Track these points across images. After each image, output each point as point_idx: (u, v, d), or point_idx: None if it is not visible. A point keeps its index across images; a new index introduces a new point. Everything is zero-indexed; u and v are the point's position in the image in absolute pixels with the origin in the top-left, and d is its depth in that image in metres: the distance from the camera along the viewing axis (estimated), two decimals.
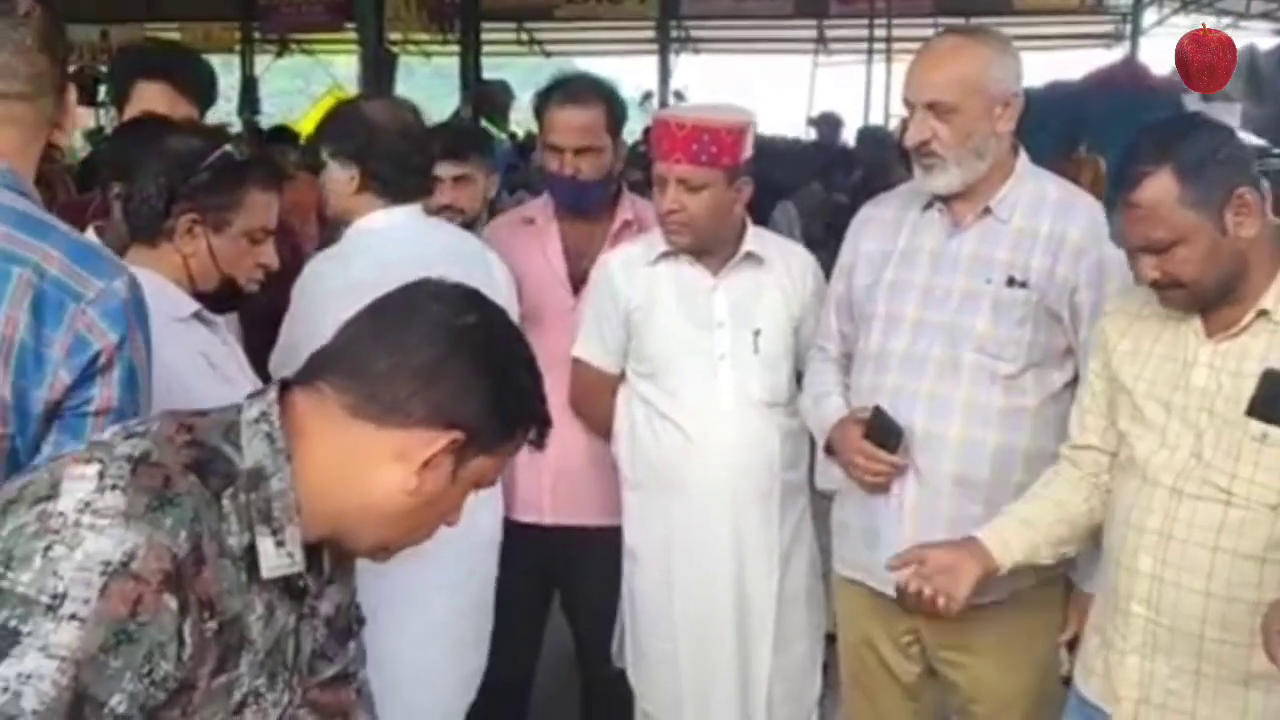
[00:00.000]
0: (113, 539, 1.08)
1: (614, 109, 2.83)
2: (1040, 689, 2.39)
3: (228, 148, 2.00)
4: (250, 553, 1.19)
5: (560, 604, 3.05)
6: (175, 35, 14.54)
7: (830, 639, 2.75)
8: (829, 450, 2.42)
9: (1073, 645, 2.31)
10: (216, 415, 1.24)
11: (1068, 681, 2.22)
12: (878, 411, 2.26)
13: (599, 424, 2.75)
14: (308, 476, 1.22)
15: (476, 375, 1.25)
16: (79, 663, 1.05)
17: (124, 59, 2.85)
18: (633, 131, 14.75)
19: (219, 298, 2.04)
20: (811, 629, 2.70)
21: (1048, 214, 2.29)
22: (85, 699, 1.06)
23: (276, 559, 1.20)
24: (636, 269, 2.62)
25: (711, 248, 2.58)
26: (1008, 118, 2.27)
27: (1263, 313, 1.87)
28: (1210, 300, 1.89)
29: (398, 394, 1.23)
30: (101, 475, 1.11)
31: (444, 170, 2.94)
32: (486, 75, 12.25)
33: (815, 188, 7.32)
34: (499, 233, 3.00)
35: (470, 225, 3.07)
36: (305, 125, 9.48)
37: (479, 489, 1.32)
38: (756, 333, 2.58)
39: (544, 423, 1.34)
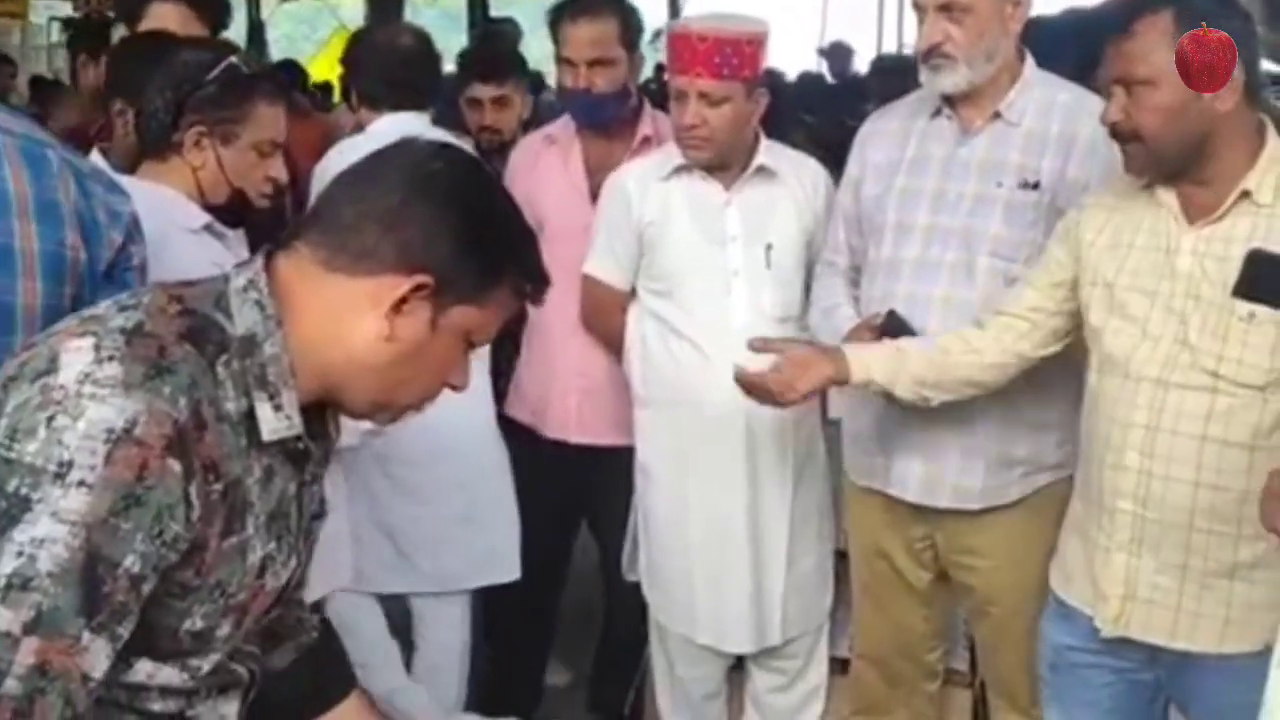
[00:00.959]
0: (114, 407, 1.10)
1: (628, 21, 2.82)
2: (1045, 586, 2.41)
3: (233, 60, 2.01)
4: (248, 418, 1.21)
5: (588, 521, 3.11)
6: None
7: (839, 555, 2.79)
8: None
9: None
10: (205, 285, 1.25)
11: None
12: (891, 315, 2.27)
13: (610, 341, 2.77)
14: (296, 337, 1.23)
15: (441, 218, 1.24)
16: (89, 526, 1.08)
17: None
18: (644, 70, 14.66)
19: (229, 211, 2.06)
20: (823, 542, 2.73)
21: (1058, 115, 2.29)
22: (98, 560, 1.09)
23: (275, 422, 1.22)
24: (650, 184, 2.61)
25: (728, 162, 2.57)
26: (1018, 18, 2.27)
27: (1245, 194, 1.87)
28: (1168, 169, 1.89)
29: (365, 241, 1.23)
30: (97, 347, 1.13)
31: (482, 92, 3.10)
32: (494, 14, 12.12)
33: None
34: (522, 153, 3.01)
35: (508, 146, 3.16)
36: (314, 68, 9.43)
37: (473, 345, 1.31)
38: (769, 247, 2.58)
39: (537, 277, 1.32)
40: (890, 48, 10.24)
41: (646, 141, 2.88)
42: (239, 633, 1.29)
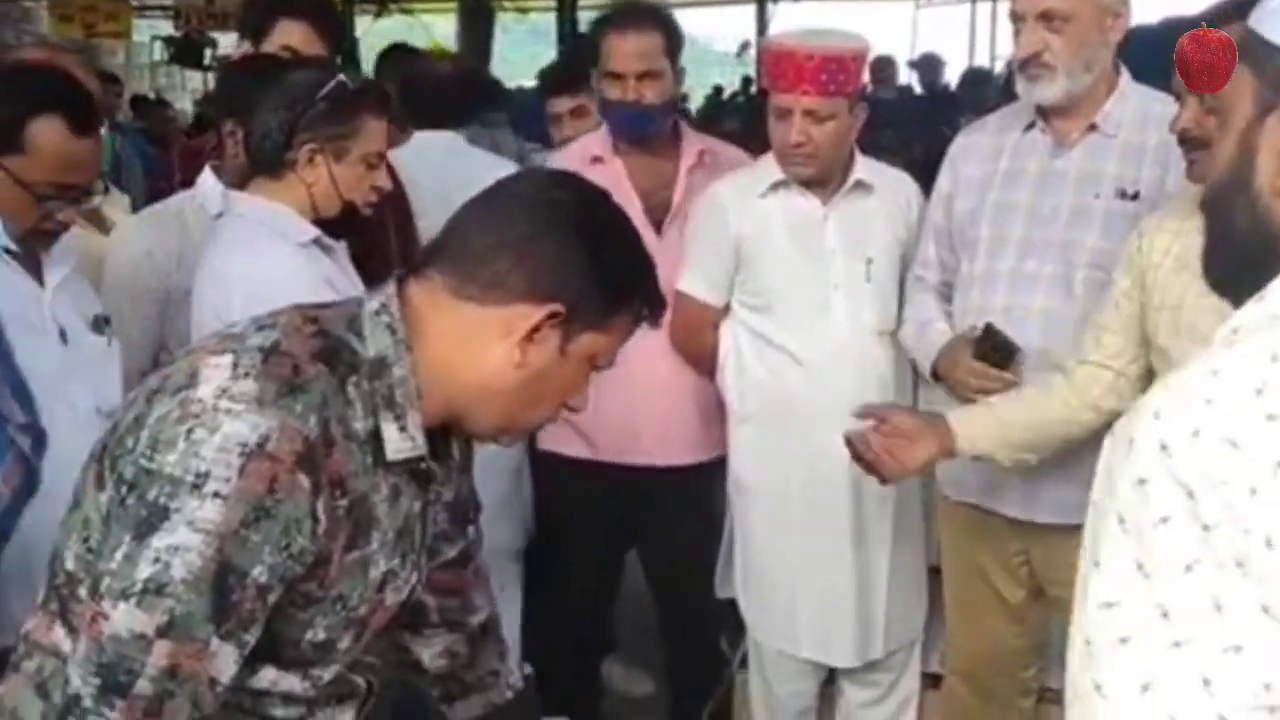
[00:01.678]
0: (248, 423, 1.14)
1: (672, 34, 2.80)
2: None
3: (341, 77, 2.08)
4: (375, 438, 1.25)
5: (638, 542, 3.07)
6: None
7: (932, 571, 2.77)
8: (935, 376, 2.42)
9: None
10: (339, 308, 1.31)
11: None
12: (989, 329, 2.26)
13: (703, 358, 2.75)
14: (425, 362, 1.27)
15: (571, 247, 1.27)
16: (222, 536, 1.13)
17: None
18: (731, 83, 14.64)
19: (335, 223, 2.13)
20: (921, 553, 2.72)
21: (1155, 127, 2.26)
22: (229, 570, 1.14)
23: (400, 442, 1.26)
24: (747, 200, 2.62)
25: (829, 177, 2.58)
26: (1118, 29, 2.26)
27: None
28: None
29: (496, 270, 1.26)
30: (235, 365, 1.18)
31: (558, 105, 3.09)
32: (583, 30, 12.25)
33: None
34: (564, 168, 3.01)
35: None
36: None
37: (597, 369, 1.35)
38: (869, 261, 2.58)
39: (655, 300, 1.35)
40: (982, 60, 10.16)
41: (702, 156, 2.85)
42: (359, 645, 1.32)
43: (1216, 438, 0.80)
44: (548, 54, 12.93)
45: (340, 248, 2.18)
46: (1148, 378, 2.09)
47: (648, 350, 2.75)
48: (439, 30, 14.78)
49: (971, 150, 2.48)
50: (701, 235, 2.68)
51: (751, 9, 15.13)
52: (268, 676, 1.26)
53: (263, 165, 2.10)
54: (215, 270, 2.06)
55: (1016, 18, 2.26)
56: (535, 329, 1.26)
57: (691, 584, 2.97)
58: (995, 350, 2.25)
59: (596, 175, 2.83)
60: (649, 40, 2.74)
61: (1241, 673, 0.78)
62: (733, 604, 2.88)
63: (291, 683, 1.28)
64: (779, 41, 2.56)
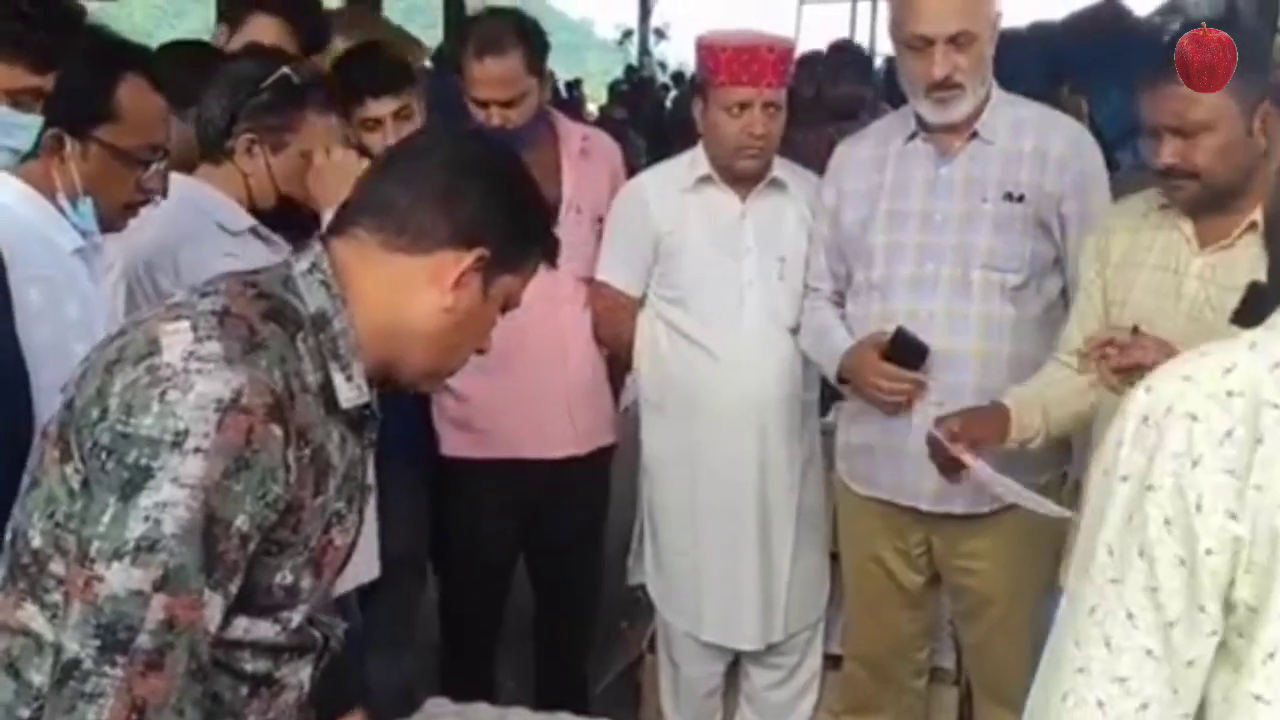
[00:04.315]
0: (220, 379, 1.19)
1: (533, 48, 2.70)
2: (1045, 584, 2.49)
3: (286, 70, 2.09)
4: (325, 389, 1.31)
5: (526, 534, 2.99)
6: None
7: (832, 557, 2.87)
8: (841, 380, 2.51)
9: None
10: (271, 272, 1.36)
11: None
12: (900, 332, 2.35)
13: (620, 347, 2.81)
14: (361, 314, 1.34)
15: (491, 194, 1.36)
16: (207, 489, 1.17)
17: None
18: (608, 71, 14.64)
19: (279, 216, 2.13)
20: (822, 540, 2.82)
21: (1029, 132, 2.40)
22: (215, 521, 1.18)
23: (349, 391, 1.33)
24: (669, 194, 2.67)
25: (766, 171, 2.64)
26: (994, 40, 2.37)
27: (1253, 224, 1.97)
28: (1212, 201, 1.98)
29: (423, 221, 1.33)
30: (195, 328, 1.23)
31: (379, 109, 2.60)
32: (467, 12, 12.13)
33: None
34: None
35: None
36: None
37: (506, 310, 1.44)
38: (782, 259, 2.65)
39: (554, 240, 1.45)
40: None
41: (585, 143, 2.84)
42: (319, 586, 1.37)
43: (1182, 412, 0.96)
44: (431, 34, 12.77)
45: (278, 240, 2.18)
46: None
47: (552, 344, 2.79)
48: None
49: (853, 163, 2.55)
50: (622, 226, 2.73)
51: None
52: (241, 625, 1.29)
53: (206, 151, 2.11)
54: (147, 248, 2.05)
55: (922, 41, 2.31)
56: (463, 273, 1.34)
57: (576, 569, 3.00)
58: (906, 352, 2.35)
59: None
60: (509, 65, 2.65)
61: (1156, 612, 0.97)
62: (636, 588, 2.95)
63: (264, 629, 1.32)
64: (732, 38, 2.57)
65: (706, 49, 2.58)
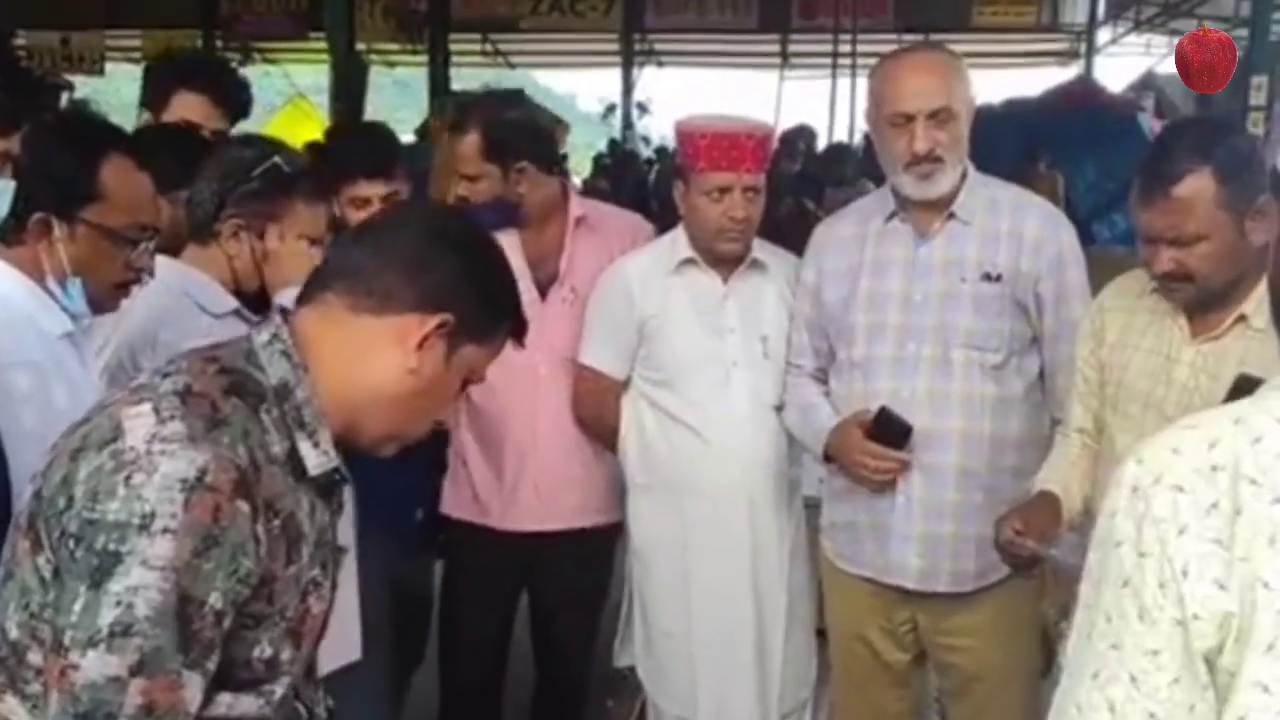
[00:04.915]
0: (184, 459, 1.20)
1: (489, 136, 2.75)
2: (1032, 660, 2.53)
3: (276, 159, 2.12)
4: (291, 457, 1.33)
5: (529, 607, 3.08)
6: (136, 42, 14.51)
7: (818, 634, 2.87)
8: (827, 458, 2.52)
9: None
10: (231, 346, 1.38)
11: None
12: (884, 411, 2.37)
13: (605, 431, 2.81)
14: (324, 378, 1.36)
15: (460, 265, 1.40)
16: (177, 570, 1.17)
17: (165, 68, 2.98)
18: (592, 145, 14.80)
19: (263, 300, 2.15)
20: (810, 616, 2.81)
21: (1005, 213, 2.44)
22: (187, 600, 1.18)
23: (317, 458, 1.34)
24: (653, 278, 2.70)
25: (746, 254, 2.68)
26: (970, 120, 2.42)
27: (1241, 318, 2.01)
28: (1210, 300, 2.02)
29: (390, 284, 1.36)
30: (156, 410, 1.24)
31: (369, 189, 2.61)
32: (453, 87, 12.30)
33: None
34: None
35: None
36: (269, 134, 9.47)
37: (470, 382, 1.46)
38: (764, 338, 2.67)
39: (522, 321, 1.47)
40: (841, 133, 10.56)
41: (582, 221, 2.88)
42: (300, 657, 1.36)
43: (1169, 484, 1.00)
44: (416, 108, 12.92)
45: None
46: None
47: (530, 418, 2.83)
48: (303, 80, 14.67)
49: (833, 242, 2.58)
50: (605, 311, 2.75)
51: (618, 72, 15.40)
52: (224, 702, 1.29)
53: (194, 233, 2.13)
54: (131, 331, 2.06)
55: (903, 118, 2.35)
56: (426, 336, 1.36)
57: (572, 646, 3.02)
58: (890, 431, 2.37)
59: None
60: (466, 144, 2.75)
61: (1159, 673, 0.99)
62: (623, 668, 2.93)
63: (247, 704, 1.31)
64: (711, 124, 2.62)
65: (686, 135, 2.62)
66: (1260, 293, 1.99)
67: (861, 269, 2.49)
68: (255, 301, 2.14)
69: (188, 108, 2.71)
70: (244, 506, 1.22)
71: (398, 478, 2.39)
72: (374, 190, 2.62)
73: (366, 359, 1.36)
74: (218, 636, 1.22)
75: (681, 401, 2.68)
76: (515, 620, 3.05)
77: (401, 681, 2.92)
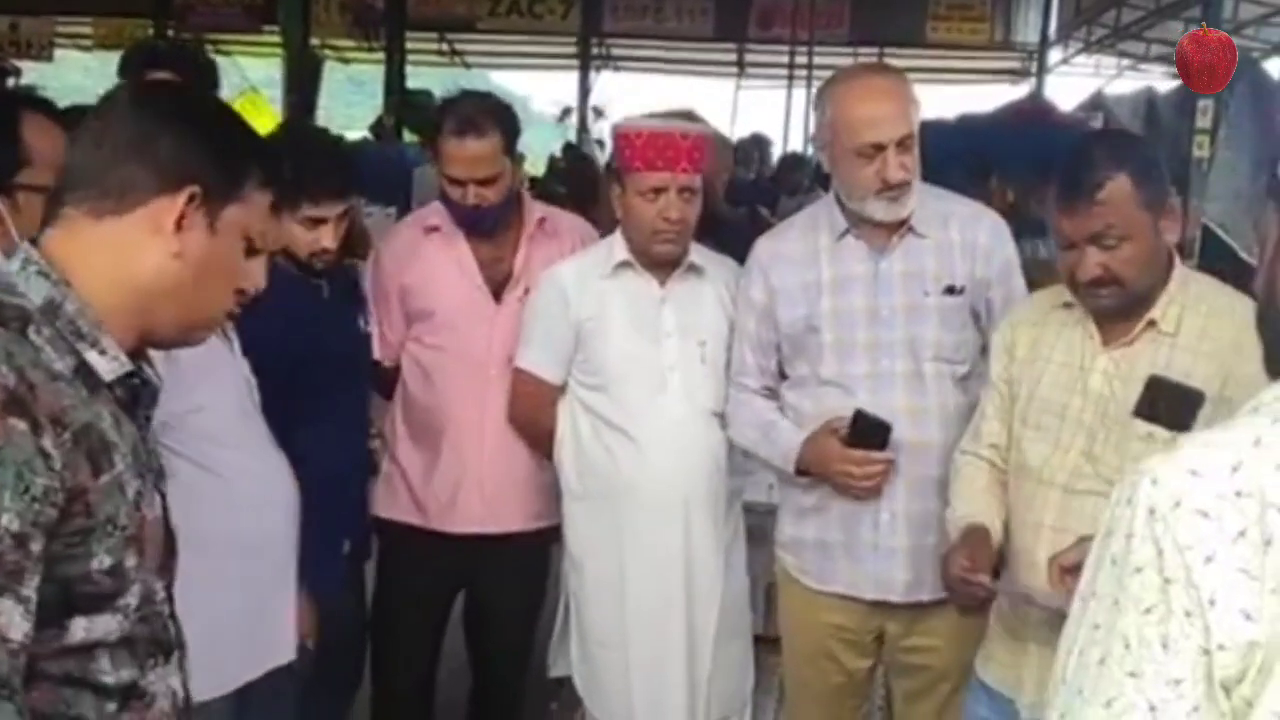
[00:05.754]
0: None
1: (509, 130, 2.78)
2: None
3: None
4: (80, 370, 1.28)
5: (463, 610, 3.07)
6: (87, 30, 14.28)
7: (758, 640, 2.86)
8: (800, 472, 2.48)
9: None
10: None
11: None
12: (860, 414, 2.35)
13: (541, 436, 2.78)
14: (91, 290, 1.31)
15: (184, 130, 1.34)
16: None
17: (135, 53, 3.08)
18: (547, 146, 14.78)
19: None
20: (746, 627, 2.80)
21: (956, 224, 2.46)
22: None
23: (107, 364, 1.30)
24: (589, 282, 2.67)
25: (683, 256, 2.67)
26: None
27: (1151, 323, 2.06)
28: (1132, 305, 2.06)
29: (124, 177, 1.32)
30: None
31: (328, 211, 2.50)
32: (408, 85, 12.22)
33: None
34: (397, 242, 2.96)
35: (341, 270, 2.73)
36: None
37: (258, 250, 1.41)
38: (702, 343, 2.66)
39: (272, 161, 1.42)
40: (795, 143, 10.62)
41: (542, 224, 2.89)
42: (145, 563, 1.32)
43: (1191, 508, 0.98)
44: (369, 104, 12.84)
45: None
46: None
47: (478, 420, 2.82)
48: (255, 74, 14.51)
49: (782, 259, 2.55)
50: (541, 315, 2.72)
51: (571, 75, 15.38)
52: (80, 625, 1.25)
53: None
54: None
55: (874, 149, 2.34)
56: (182, 216, 1.32)
57: (509, 651, 3.01)
58: (870, 434, 2.35)
59: (433, 245, 2.85)
60: (488, 145, 2.72)
61: (1179, 702, 0.97)
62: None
63: (106, 625, 1.27)
64: (647, 124, 2.63)
65: (623, 136, 2.61)
66: (1167, 297, 2.05)
67: (820, 286, 2.47)
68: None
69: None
70: (19, 424, 1.17)
71: (325, 513, 2.36)
72: (333, 211, 2.52)
73: (128, 259, 1.32)
74: (25, 559, 1.16)
75: (617, 406, 2.65)
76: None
77: (343, 705, 2.88)
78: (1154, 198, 2.01)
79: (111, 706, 1.29)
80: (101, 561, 1.25)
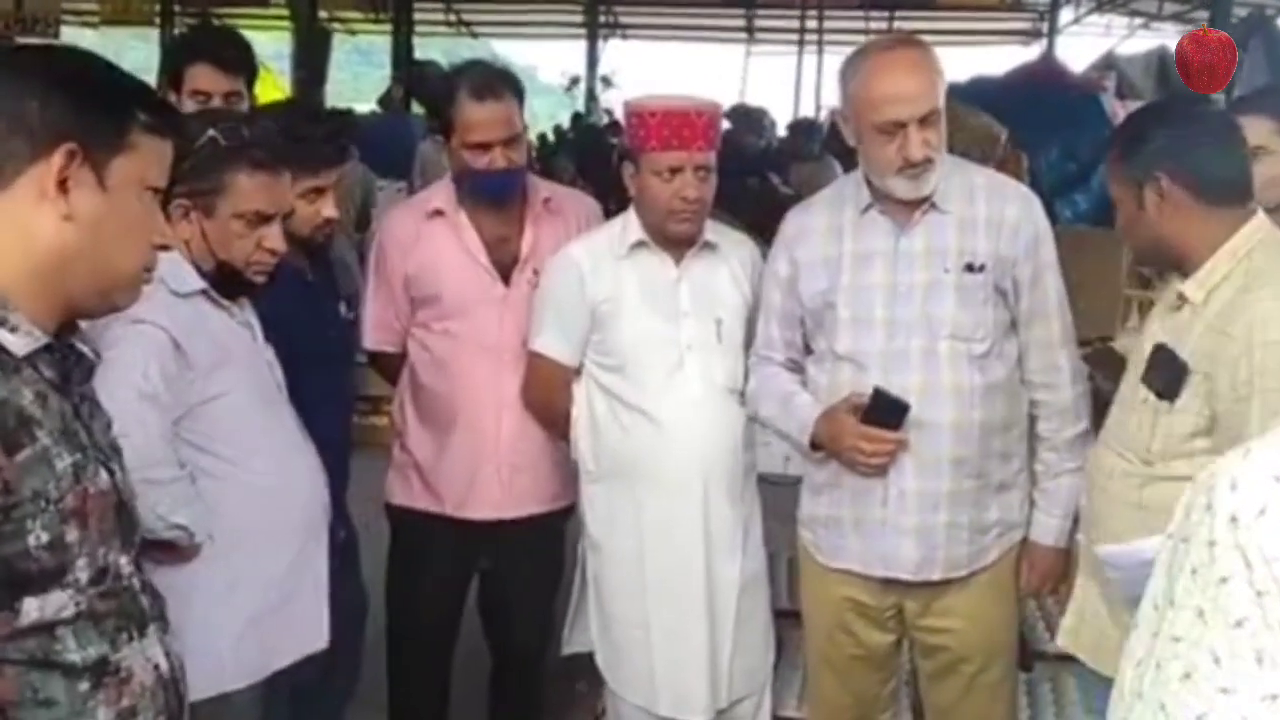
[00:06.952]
0: None
1: (520, 95, 2.81)
2: (1012, 639, 2.60)
3: (213, 133, 2.06)
4: None
5: (478, 596, 3.07)
6: (94, 5, 14.22)
7: (780, 615, 2.87)
8: (815, 446, 2.47)
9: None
10: None
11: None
12: (879, 393, 2.35)
13: (556, 419, 2.77)
14: None
15: (48, 91, 1.29)
16: None
17: (175, 46, 3.25)
18: (554, 116, 14.68)
19: (224, 282, 2.11)
20: (766, 604, 2.80)
21: (981, 199, 2.42)
22: None
23: (19, 340, 1.28)
24: (603, 263, 2.65)
25: (699, 235, 2.66)
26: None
27: (1181, 295, 2.08)
28: (1149, 266, 2.14)
29: (2, 153, 1.28)
30: None
31: (328, 180, 2.55)
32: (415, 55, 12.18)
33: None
34: (398, 226, 2.94)
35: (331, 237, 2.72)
36: None
37: (158, 194, 1.38)
38: (719, 321, 2.65)
39: (152, 103, 1.38)
40: (806, 108, 10.57)
41: (547, 204, 2.87)
42: (89, 534, 1.31)
43: (1278, 516, 0.95)
44: (376, 75, 12.79)
45: (235, 306, 2.18)
46: None
47: (494, 404, 2.81)
48: (263, 49, 14.46)
49: (806, 233, 2.52)
50: (555, 297, 2.70)
51: (579, 44, 15.30)
52: (32, 606, 1.25)
53: None
54: None
55: (895, 126, 2.31)
56: (63, 178, 1.28)
57: (531, 632, 3.01)
58: (888, 412, 2.35)
59: (437, 228, 2.83)
60: (507, 107, 2.73)
61: (1275, 717, 0.93)
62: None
63: (58, 600, 1.27)
64: (661, 103, 2.59)
65: (635, 115, 2.59)
66: (1204, 272, 2.06)
67: (841, 261, 2.46)
68: (221, 283, 2.12)
69: (198, 77, 2.84)
70: None
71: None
72: (331, 178, 2.57)
73: (22, 232, 1.29)
74: None
75: (634, 386, 2.64)
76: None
77: (343, 705, 2.86)
78: (1129, 170, 2.10)
79: (84, 686, 1.29)
80: (39, 537, 1.25)
